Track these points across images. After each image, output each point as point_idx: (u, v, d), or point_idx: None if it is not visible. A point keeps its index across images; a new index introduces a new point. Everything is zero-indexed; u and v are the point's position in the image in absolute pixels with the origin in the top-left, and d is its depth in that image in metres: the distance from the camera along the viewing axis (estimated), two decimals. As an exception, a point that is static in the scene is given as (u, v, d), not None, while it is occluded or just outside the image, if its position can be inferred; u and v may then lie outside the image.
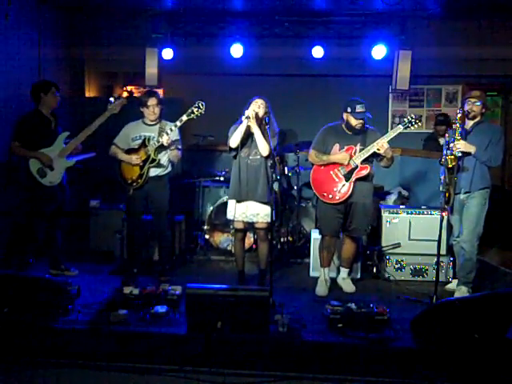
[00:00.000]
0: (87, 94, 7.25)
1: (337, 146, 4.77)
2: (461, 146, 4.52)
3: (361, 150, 4.69)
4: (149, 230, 5.34)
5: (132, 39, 6.76)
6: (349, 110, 4.66)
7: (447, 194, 4.60)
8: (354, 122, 4.67)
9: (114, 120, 5.04)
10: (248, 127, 4.63)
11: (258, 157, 4.73)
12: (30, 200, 4.92)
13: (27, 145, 4.82)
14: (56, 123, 5.00)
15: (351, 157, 4.69)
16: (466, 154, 4.57)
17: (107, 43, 6.87)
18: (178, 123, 4.81)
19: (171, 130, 4.83)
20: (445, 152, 4.59)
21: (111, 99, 5.02)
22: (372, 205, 4.97)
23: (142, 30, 6.71)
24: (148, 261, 5.51)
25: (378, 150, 4.59)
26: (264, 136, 4.62)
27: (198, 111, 4.75)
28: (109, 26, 6.87)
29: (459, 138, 4.54)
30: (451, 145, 4.55)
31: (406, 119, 4.68)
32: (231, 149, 4.77)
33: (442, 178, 4.63)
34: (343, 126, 4.79)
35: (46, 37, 6.22)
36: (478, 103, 4.61)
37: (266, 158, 4.69)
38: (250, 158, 4.74)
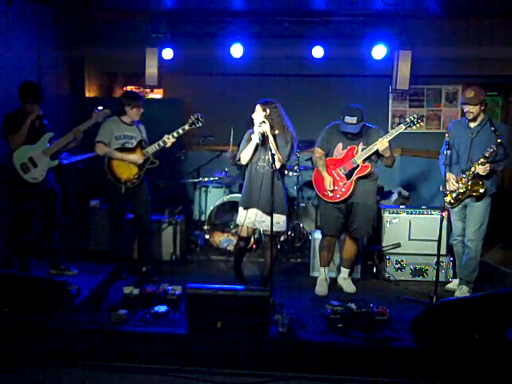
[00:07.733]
0: (87, 94, 7.24)
1: (340, 146, 4.76)
2: (480, 171, 4.48)
3: (363, 150, 4.68)
4: (131, 229, 5.37)
5: (132, 39, 6.75)
6: (341, 118, 4.64)
7: (460, 197, 4.61)
8: (344, 130, 4.67)
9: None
10: (258, 143, 4.51)
11: (265, 164, 4.57)
12: (13, 195, 4.89)
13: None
14: (40, 122, 4.94)
15: (352, 156, 4.68)
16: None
17: (107, 43, 6.86)
18: (181, 131, 4.94)
19: (174, 136, 4.94)
20: (444, 148, 4.57)
21: (98, 108, 5.03)
22: (375, 206, 4.95)
23: (142, 30, 6.71)
24: (129, 260, 5.49)
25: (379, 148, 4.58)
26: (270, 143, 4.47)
27: (198, 123, 4.97)
28: (109, 26, 6.87)
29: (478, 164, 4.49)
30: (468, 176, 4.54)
31: (408, 119, 4.63)
32: (241, 164, 4.72)
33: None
34: None
35: (46, 37, 6.21)
36: (474, 105, 4.49)
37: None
38: (259, 164, 4.60)
